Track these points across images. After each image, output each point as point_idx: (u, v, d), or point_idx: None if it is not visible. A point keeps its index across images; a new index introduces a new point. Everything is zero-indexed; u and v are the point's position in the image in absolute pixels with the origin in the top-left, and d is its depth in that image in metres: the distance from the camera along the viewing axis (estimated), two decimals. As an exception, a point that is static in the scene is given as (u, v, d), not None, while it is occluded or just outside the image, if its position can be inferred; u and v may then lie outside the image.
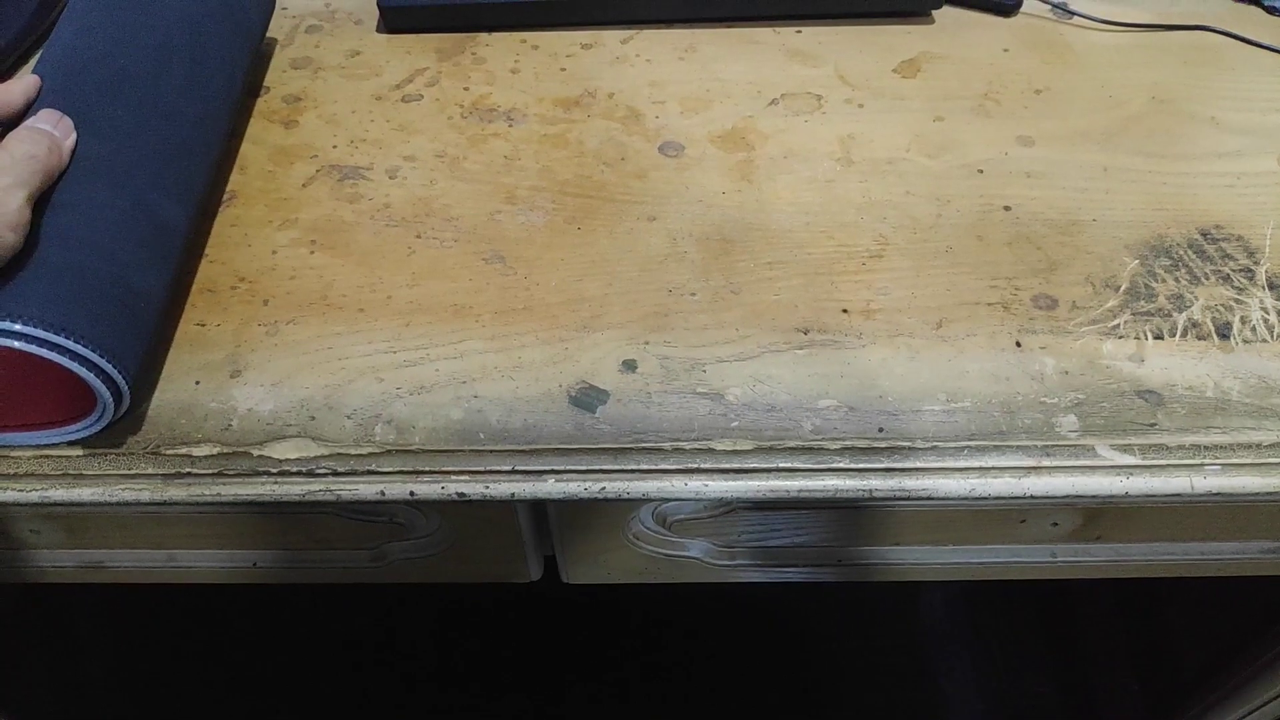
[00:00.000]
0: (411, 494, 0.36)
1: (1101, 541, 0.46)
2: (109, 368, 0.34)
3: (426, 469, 0.37)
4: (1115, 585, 0.88)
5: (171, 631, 0.98)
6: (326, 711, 0.94)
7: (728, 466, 0.37)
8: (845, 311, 0.42)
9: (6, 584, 0.49)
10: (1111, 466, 0.37)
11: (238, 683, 0.96)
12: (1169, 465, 0.37)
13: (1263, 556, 0.47)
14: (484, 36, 0.55)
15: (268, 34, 0.53)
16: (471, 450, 0.37)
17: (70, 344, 0.33)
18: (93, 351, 0.33)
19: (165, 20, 0.43)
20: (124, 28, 0.42)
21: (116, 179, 0.38)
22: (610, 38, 0.55)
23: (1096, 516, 0.44)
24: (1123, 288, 0.43)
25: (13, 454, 0.37)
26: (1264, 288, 0.43)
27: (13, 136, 0.36)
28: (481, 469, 0.37)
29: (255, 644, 0.99)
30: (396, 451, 0.37)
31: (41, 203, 0.35)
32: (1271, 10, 0.57)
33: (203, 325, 0.41)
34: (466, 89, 0.52)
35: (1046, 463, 0.37)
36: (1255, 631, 0.62)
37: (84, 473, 0.37)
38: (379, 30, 0.56)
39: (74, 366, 0.33)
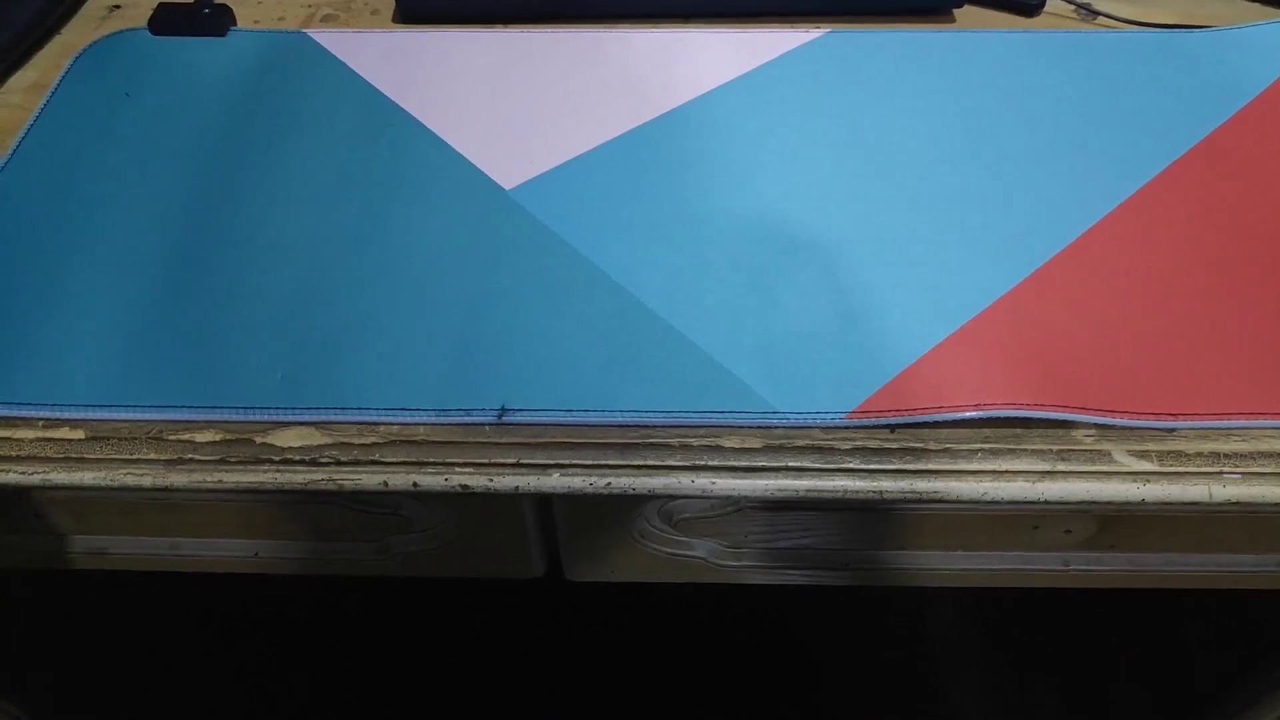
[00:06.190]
0: (415, 485, 0.36)
1: (1116, 550, 0.45)
2: None
3: (430, 460, 0.36)
4: (1129, 595, 0.87)
5: (175, 622, 0.99)
6: (326, 704, 0.94)
7: (736, 464, 0.36)
8: (858, 310, 0.41)
9: (11, 571, 0.49)
10: (1128, 473, 0.36)
11: (239, 674, 0.96)
12: (1187, 473, 0.36)
13: (1281, 570, 0.46)
14: (499, 28, 0.55)
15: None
16: (476, 442, 0.37)
17: None
18: None
19: None
20: None
21: None
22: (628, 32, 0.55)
23: (1111, 524, 0.43)
24: (1142, 292, 0.42)
25: (15, 436, 0.37)
26: (1287, 294, 0.42)
27: None
28: (485, 461, 0.36)
29: (258, 636, 0.99)
30: (400, 442, 0.37)
31: None
32: (1299, 14, 0.56)
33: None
34: (480, 80, 0.52)
35: (1062, 467, 0.36)
36: (1270, 646, 0.61)
37: (85, 456, 0.36)
38: (395, 20, 0.56)
39: None
